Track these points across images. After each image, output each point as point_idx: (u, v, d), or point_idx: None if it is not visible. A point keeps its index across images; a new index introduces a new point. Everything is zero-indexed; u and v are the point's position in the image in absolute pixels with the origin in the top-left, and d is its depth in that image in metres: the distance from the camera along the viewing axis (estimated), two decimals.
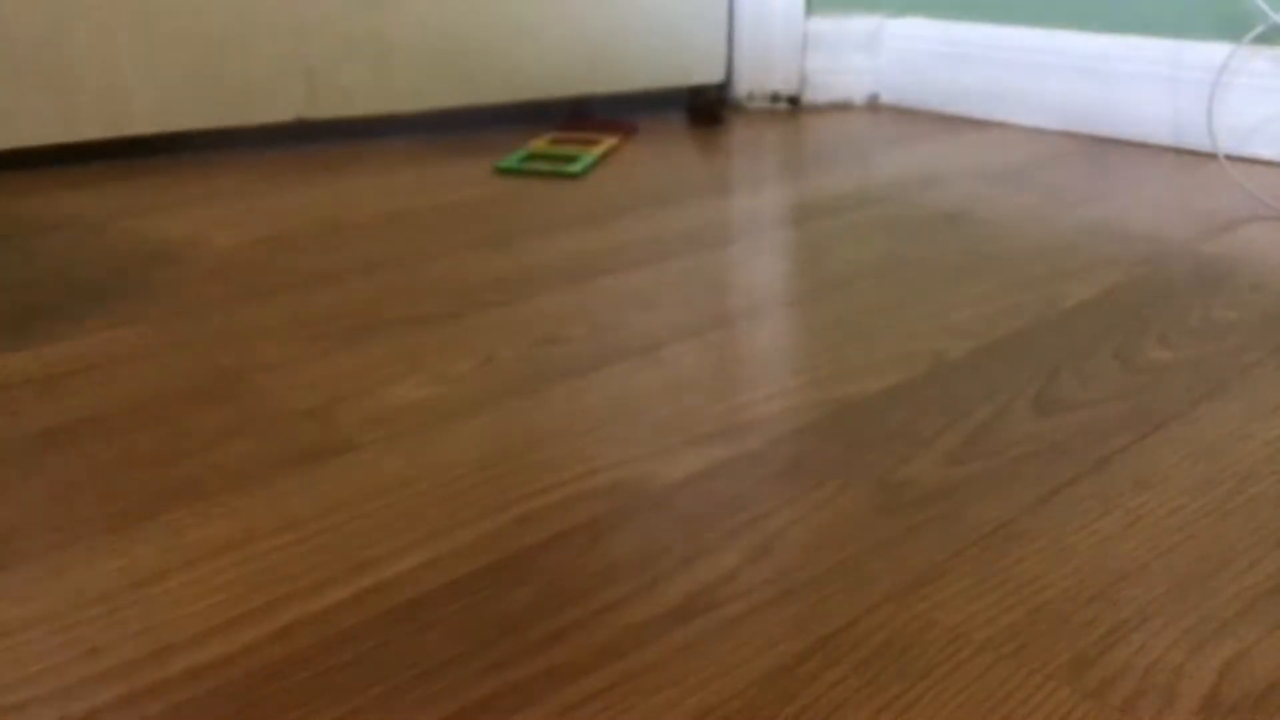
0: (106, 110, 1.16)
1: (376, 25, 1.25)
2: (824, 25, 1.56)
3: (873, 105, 1.60)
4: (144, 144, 1.22)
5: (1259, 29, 1.18)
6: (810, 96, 1.58)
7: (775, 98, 1.56)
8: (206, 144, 1.25)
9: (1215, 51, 1.23)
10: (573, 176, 1.13)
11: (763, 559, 0.47)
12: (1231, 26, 1.22)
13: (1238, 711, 0.38)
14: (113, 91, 1.16)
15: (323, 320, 0.74)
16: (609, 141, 1.25)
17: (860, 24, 1.58)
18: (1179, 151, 1.29)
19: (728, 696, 0.39)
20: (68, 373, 0.65)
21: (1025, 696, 0.39)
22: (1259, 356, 0.69)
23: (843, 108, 1.58)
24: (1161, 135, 1.31)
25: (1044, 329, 0.74)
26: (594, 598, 0.44)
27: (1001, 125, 1.46)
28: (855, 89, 1.60)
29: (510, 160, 1.16)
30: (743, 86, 1.55)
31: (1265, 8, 1.17)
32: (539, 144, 1.23)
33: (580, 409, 0.61)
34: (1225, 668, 0.40)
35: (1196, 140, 1.27)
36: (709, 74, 1.52)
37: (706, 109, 1.46)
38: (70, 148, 1.18)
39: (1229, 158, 1.16)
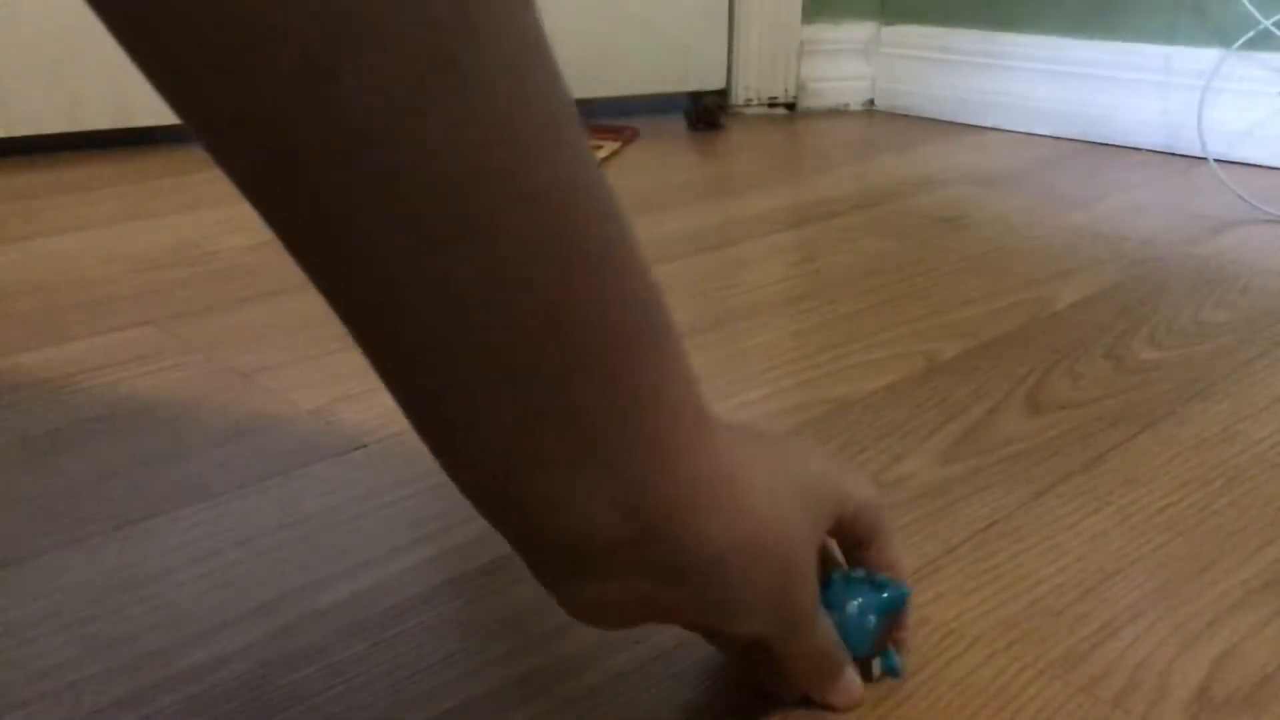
0: (109, 102, 1.18)
1: None
2: (820, 32, 1.57)
3: (868, 111, 1.61)
4: (144, 137, 1.23)
5: (1249, 34, 1.19)
6: (807, 102, 1.59)
7: (773, 103, 1.57)
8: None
9: (1205, 57, 1.24)
10: None
11: None
12: (1222, 32, 1.23)
13: (1228, 706, 0.39)
14: (115, 83, 1.17)
15: (328, 321, 0.74)
16: (610, 146, 1.26)
17: (856, 31, 1.59)
18: (1169, 156, 1.30)
19: (726, 690, 0.40)
20: (77, 373, 0.65)
21: (1017, 691, 0.40)
22: (1248, 357, 0.70)
23: (839, 113, 1.59)
24: (1152, 140, 1.32)
25: (1036, 329, 0.75)
26: None
27: (995, 130, 1.47)
28: (851, 95, 1.61)
29: None
30: (740, 92, 1.55)
31: (1255, 13, 1.18)
32: None
33: None
34: (1215, 663, 0.41)
35: (1187, 145, 1.28)
36: (710, 79, 1.53)
37: (707, 114, 1.47)
38: (72, 137, 1.20)
39: (1219, 161, 1.17)
